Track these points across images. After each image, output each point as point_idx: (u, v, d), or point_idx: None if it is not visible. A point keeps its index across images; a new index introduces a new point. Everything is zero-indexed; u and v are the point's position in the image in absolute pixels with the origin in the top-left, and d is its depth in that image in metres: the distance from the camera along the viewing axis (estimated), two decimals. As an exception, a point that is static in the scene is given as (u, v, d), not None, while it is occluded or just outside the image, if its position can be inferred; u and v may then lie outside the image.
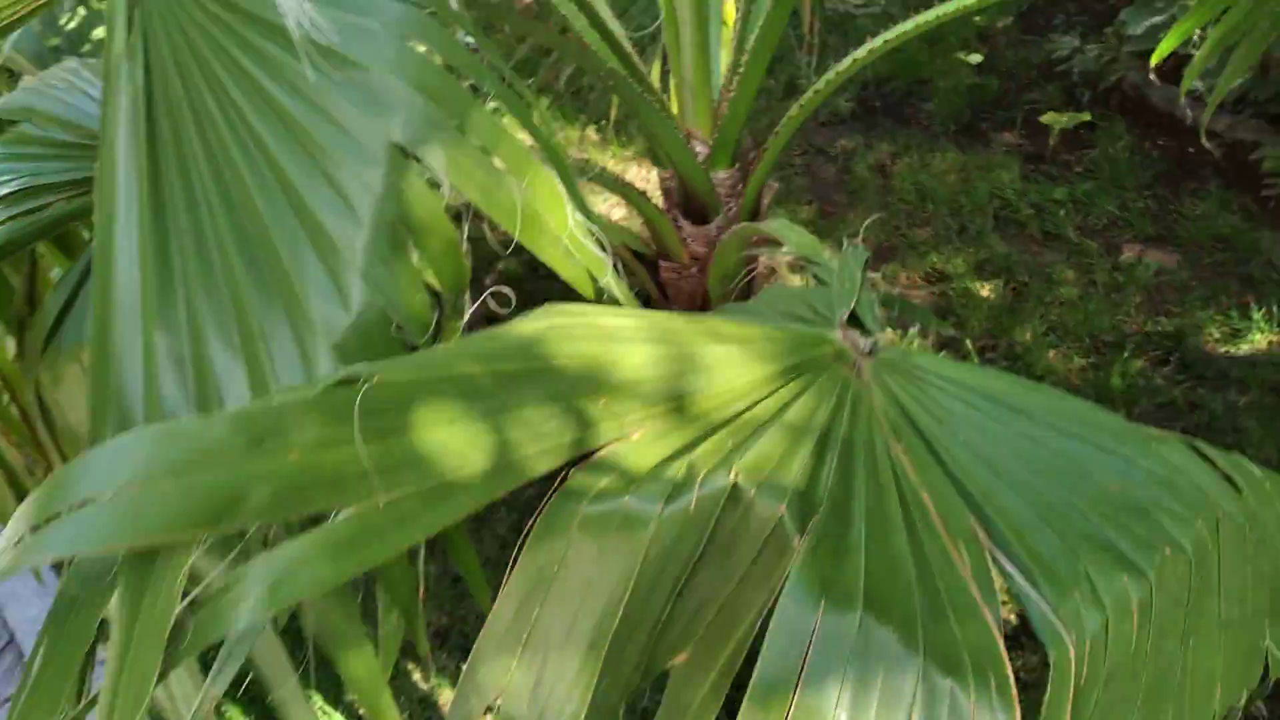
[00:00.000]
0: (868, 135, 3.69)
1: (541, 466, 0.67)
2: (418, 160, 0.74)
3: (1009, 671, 0.63)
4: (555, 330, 0.72)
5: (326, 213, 0.73)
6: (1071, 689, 0.66)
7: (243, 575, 0.57)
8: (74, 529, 0.53)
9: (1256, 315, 2.64)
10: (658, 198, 1.86)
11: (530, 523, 0.67)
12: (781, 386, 0.81)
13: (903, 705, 0.60)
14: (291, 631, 0.77)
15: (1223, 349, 2.62)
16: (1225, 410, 2.42)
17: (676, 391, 0.75)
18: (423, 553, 0.68)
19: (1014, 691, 0.63)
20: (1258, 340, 2.60)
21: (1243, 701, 0.75)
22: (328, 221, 0.73)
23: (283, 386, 0.70)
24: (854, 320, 0.94)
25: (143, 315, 0.71)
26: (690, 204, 1.73)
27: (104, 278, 0.72)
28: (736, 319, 0.91)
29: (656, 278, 1.89)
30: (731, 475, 0.69)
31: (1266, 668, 0.77)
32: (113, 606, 0.59)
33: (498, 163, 0.78)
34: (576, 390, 0.70)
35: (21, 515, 0.54)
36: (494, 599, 0.67)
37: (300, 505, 0.57)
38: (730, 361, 0.80)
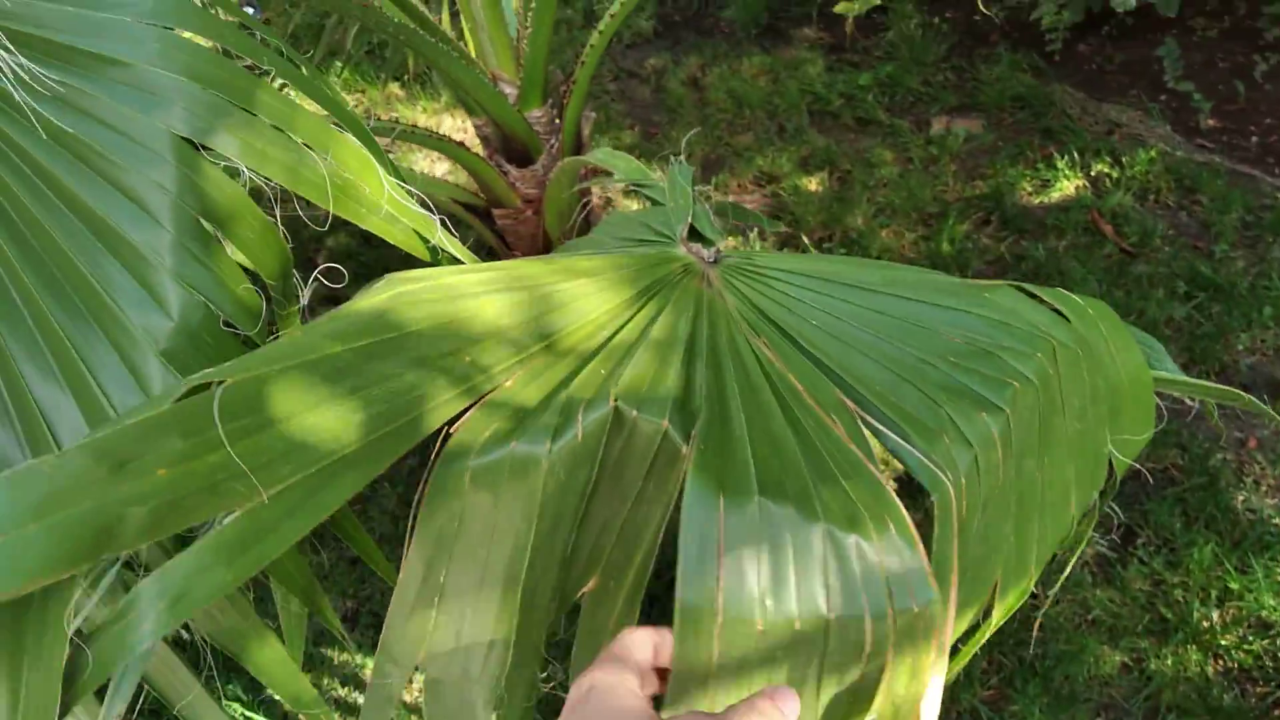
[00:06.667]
0: (674, 51, 3.69)
1: (420, 432, 0.66)
2: (208, 150, 0.70)
3: (903, 511, 0.67)
4: (402, 298, 0.70)
5: (122, 220, 0.68)
6: (955, 523, 0.71)
7: (137, 596, 0.54)
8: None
9: (1060, 164, 2.81)
10: (477, 146, 1.82)
11: (420, 489, 0.67)
12: (640, 309, 0.82)
13: (816, 569, 0.63)
14: (184, 643, 0.74)
15: (1036, 200, 2.77)
16: (1048, 257, 2.57)
17: (539, 332, 0.74)
18: (314, 543, 0.66)
19: (912, 528, 0.66)
20: (1065, 187, 2.77)
21: (1095, 501, 0.83)
22: (125, 229, 0.68)
23: (130, 407, 0.65)
24: (694, 234, 0.95)
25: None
26: (511, 147, 1.69)
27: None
28: (582, 253, 0.91)
29: (493, 226, 1.86)
30: (611, 401, 0.69)
31: (1111, 469, 0.84)
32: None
33: (296, 139, 0.74)
34: (437, 351, 0.68)
35: None
36: (397, 571, 0.66)
37: (181, 520, 0.54)
38: (586, 294, 0.79)
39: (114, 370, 0.65)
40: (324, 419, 0.60)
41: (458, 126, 3.35)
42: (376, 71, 3.58)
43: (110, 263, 0.67)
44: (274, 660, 0.70)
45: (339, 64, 3.44)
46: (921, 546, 0.66)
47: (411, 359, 0.66)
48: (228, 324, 0.68)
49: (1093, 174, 2.80)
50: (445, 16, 1.90)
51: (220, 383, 0.57)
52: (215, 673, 0.75)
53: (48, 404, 0.66)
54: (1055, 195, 2.77)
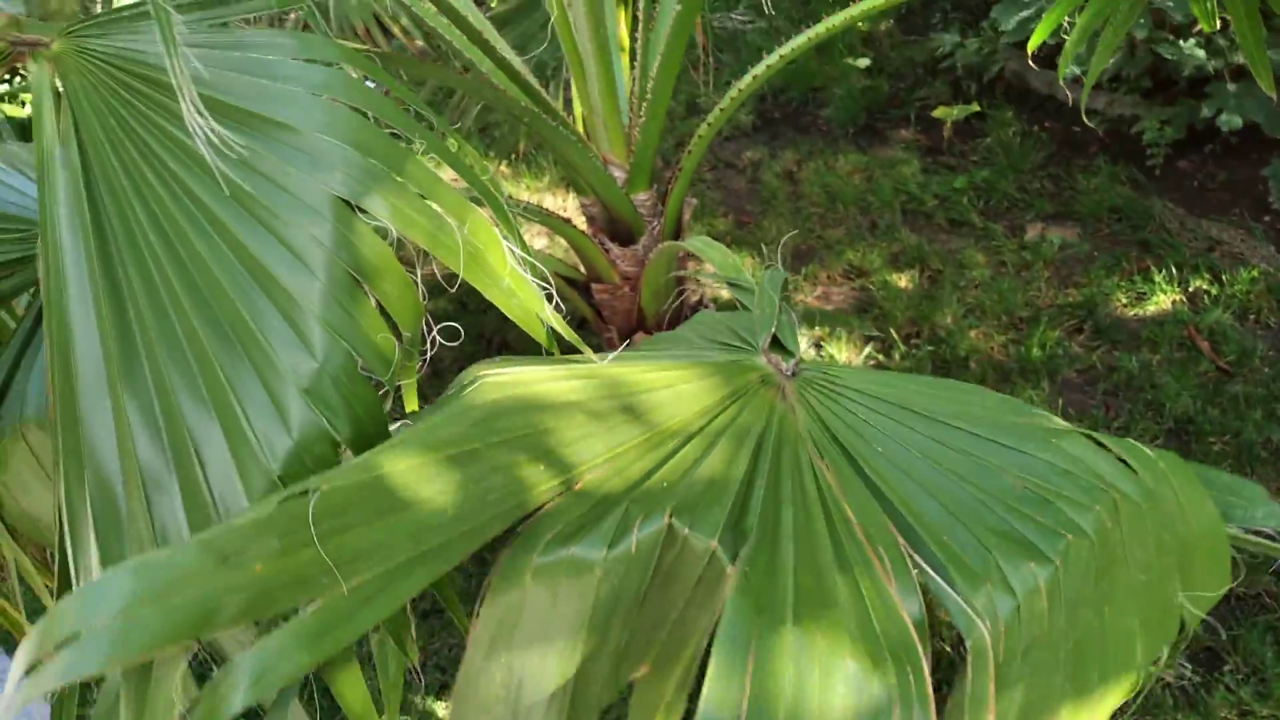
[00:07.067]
0: (771, 145, 3.79)
1: (491, 532, 0.73)
2: (362, 211, 0.77)
3: (925, 669, 0.71)
4: (490, 407, 0.78)
5: (280, 268, 0.75)
6: (991, 666, 0.74)
7: (232, 669, 0.63)
8: (71, 657, 0.58)
9: (1158, 278, 2.78)
10: (580, 223, 1.90)
11: (487, 580, 0.74)
12: (714, 419, 0.88)
13: (836, 704, 0.68)
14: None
15: (1131, 312, 2.75)
16: (1141, 369, 2.54)
17: (613, 442, 0.82)
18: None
19: (928, 681, 0.71)
20: (1161, 301, 2.74)
21: (1164, 654, 0.83)
22: (282, 276, 0.75)
23: (243, 509, 0.74)
24: (776, 343, 1.00)
25: (108, 381, 0.73)
26: (615, 227, 1.77)
27: (61, 350, 0.74)
28: (668, 353, 0.97)
29: (590, 300, 1.92)
30: (666, 518, 0.75)
31: (1183, 623, 0.84)
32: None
33: (436, 208, 0.81)
34: (518, 460, 0.76)
35: (24, 651, 0.59)
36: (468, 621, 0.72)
37: (270, 607, 0.63)
38: (664, 404, 0.86)
39: (260, 402, 0.72)
40: (404, 522, 0.69)
41: (558, 205, 3.48)
42: (486, 149, 3.75)
43: (266, 305, 0.74)
44: (361, 702, 0.74)
45: (453, 140, 3.61)
46: (933, 708, 0.70)
47: (492, 467, 0.74)
48: (363, 369, 0.75)
49: (1190, 290, 2.77)
50: (560, 101, 2.01)
51: (317, 489, 0.66)
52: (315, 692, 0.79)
53: (197, 428, 0.72)
54: (1151, 308, 2.74)
